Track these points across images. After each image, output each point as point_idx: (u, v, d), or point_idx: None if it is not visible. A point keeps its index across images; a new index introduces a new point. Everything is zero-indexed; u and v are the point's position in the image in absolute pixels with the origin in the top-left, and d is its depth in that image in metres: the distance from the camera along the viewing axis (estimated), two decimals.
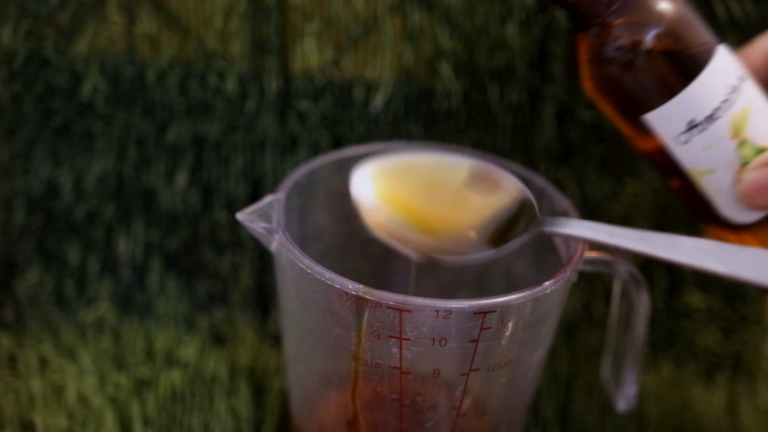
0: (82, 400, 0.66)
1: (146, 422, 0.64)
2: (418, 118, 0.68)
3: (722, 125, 0.53)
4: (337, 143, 0.69)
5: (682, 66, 0.52)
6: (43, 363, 0.69)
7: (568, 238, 0.54)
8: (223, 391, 0.67)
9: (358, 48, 0.67)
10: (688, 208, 0.58)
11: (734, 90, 0.53)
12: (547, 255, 0.59)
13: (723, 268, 0.47)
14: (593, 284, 0.71)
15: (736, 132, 0.53)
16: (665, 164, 0.55)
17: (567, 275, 0.52)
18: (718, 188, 0.54)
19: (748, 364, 0.72)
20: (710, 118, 0.53)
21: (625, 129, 0.56)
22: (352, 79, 0.67)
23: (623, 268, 0.56)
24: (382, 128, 0.69)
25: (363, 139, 0.68)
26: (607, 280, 0.69)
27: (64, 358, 0.69)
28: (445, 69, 0.67)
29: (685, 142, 0.53)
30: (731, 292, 0.71)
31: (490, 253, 0.54)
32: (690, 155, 0.54)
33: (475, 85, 0.68)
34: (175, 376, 0.68)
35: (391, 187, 0.57)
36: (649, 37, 0.52)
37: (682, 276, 0.71)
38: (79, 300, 0.72)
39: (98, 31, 0.66)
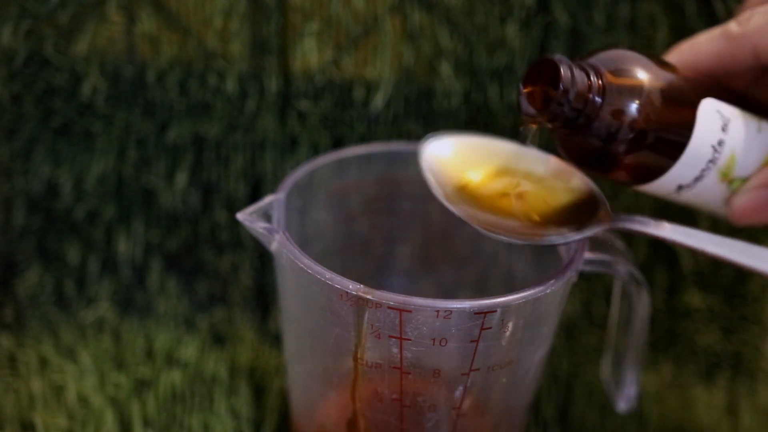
0: (82, 400, 0.66)
1: (146, 422, 0.64)
2: (418, 118, 0.68)
3: (711, 177, 0.53)
4: (337, 143, 0.69)
5: (665, 148, 0.52)
6: (43, 363, 0.69)
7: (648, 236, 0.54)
8: (223, 391, 0.67)
9: (358, 48, 0.67)
10: None
11: (719, 144, 0.52)
12: (547, 255, 0.59)
13: None
14: (593, 284, 0.71)
15: (725, 176, 0.54)
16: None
17: (567, 275, 0.52)
18: (713, 211, 0.56)
19: (748, 364, 0.72)
20: (698, 179, 0.53)
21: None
22: (352, 79, 0.67)
23: (623, 269, 0.56)
24: (382, 128, 0.69)
25: (363, 139, 0.68)
26: (607, 280, 0.69)
27: (64, 358, 0.69)
28: (445, 69, 0.67)
29: (677, 196, 0.54)
30: (731, 292, 0.72)
31: (561, 237, 0.53)
32: (682, 199, 0.55)
33: (475, 85, 0.68)
34: (175, 376, 0.68)
35: (465, 161, 0.56)
36: (625, 133, 0.51)
37: (682, 276, 0.71)
38: (79, 300, 0.72)
39: (98, 31, 0.66)
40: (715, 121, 0.53)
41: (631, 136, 0.51)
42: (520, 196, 0.55)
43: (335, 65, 0.67)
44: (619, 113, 0.51)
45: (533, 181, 0.56)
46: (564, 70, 0.50)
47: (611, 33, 0.66)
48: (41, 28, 0.66)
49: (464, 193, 0.55)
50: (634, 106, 0.51)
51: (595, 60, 0.52)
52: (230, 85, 0.67)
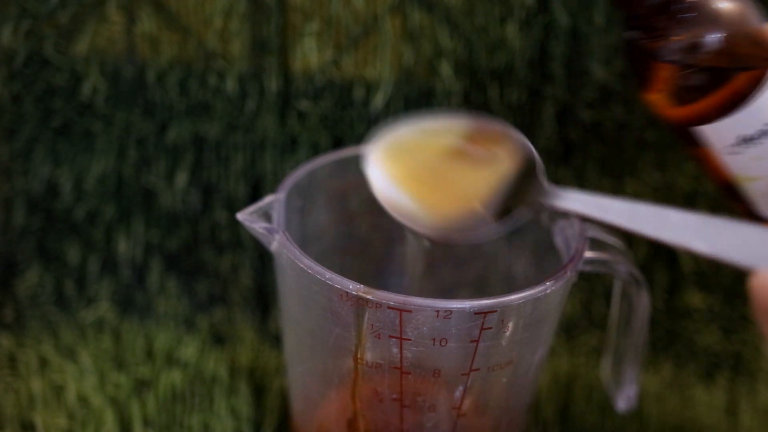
0: (82, 400, 0.66)
1: (146, 422, 0.64)
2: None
3: None
4: (337, 143, 0.69)
5: (741, 84, 0.52)
6: (43, 363, 0.69)
7: (564, 216, 0.54)
8: (223, 391, 0.67)
9: (358, 48, 0.67)
10: (726, 199, 0.57)
11: None
12: (547, 255, 0.59)
13: (705, 246, 0.45)
14: (593, 284, 0.71)
15: None
16: (710, 166, 0.55)
17: (567, 275, 0.52)
18: (762, 193, 0.54)
19: (748, 364, 0.72)
20: (764, 133, 0.52)
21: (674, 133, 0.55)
22: (352, 79, 0.67)
23: (623, 269, 0.56)
24: (382, 128, 0.69)
25: (363, 139, 0.68)
26: (607, 280, 0.69)
27: (64, 358, 0.69)
28: (445, 69, 0.67)
29: (735, 153, 0.53)
30: (731, 292, 0.72)
31: (497, 228, 0.53)
32: (738, 163, 0.54)
33: (475, 85, 0.68)
34: (175, 376, 0.68)
35: (400, 166, 0.57)
36: (708, 52, 0.51)
37: (682, 276, 0.71)
38: (79, 300, 0.72)
39: (98, 31, 0.66)
40: None
41: (715, 47, 0.51)
42: (456, 186, 0.56)
43: (335, 65, 0.67)
44: (713, 21, 0.51)
45: (465, 164, 0.57)
46: None
47: (611, 33, 0.66)
48: (41, 28, 0.66)
49: (405, 201, 0.56)
50: (725, 21, 0.51)
51: None
52: (230, 85, 0.67)
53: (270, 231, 0.54)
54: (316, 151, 0.69)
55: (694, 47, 0.51)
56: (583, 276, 0.55)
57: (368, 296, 0.49)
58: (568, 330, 0.72)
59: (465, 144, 0.58)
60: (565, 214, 0.55)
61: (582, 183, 0.69)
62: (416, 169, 0.57)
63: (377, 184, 0.56)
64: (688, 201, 0.69)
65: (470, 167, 0.57)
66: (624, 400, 0.61)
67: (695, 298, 0.72)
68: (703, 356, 0.73)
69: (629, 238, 0.68)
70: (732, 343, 0.72)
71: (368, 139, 0.58)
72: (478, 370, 0.52)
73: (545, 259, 0.59)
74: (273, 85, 0.67)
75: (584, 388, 0.69)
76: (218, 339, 0.72)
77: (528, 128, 0.69)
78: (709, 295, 0.72)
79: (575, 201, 0.51)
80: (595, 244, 0.55)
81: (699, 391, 0.71)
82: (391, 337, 0.50)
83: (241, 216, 0.54)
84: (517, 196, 0.54)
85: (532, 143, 0.69)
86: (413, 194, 0.56)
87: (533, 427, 0.67)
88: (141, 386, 0.67)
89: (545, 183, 0.53)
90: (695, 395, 0.71)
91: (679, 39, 0.52)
